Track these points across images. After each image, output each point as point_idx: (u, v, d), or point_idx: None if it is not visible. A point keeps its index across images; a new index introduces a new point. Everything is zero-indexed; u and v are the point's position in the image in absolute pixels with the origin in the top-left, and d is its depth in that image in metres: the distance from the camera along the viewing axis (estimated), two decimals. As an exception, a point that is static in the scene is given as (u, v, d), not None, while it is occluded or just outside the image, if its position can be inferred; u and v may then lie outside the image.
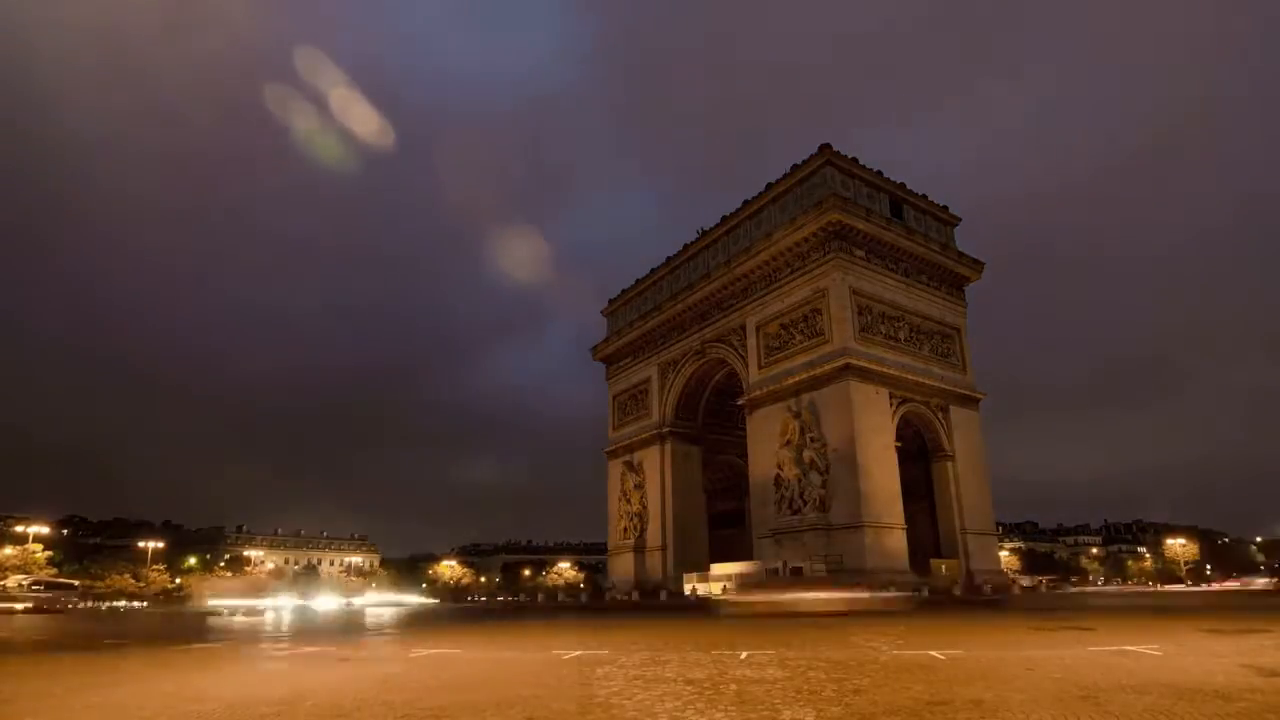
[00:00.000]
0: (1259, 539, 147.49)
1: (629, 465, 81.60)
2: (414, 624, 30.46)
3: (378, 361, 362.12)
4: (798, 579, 52.41)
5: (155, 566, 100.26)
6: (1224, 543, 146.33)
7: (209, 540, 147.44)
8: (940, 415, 61.32)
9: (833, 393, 56.14)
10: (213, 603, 62.70)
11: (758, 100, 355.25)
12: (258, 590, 73.19)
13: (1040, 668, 9.45)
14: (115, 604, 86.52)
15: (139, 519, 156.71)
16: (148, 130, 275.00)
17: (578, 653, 12.65)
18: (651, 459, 78.56)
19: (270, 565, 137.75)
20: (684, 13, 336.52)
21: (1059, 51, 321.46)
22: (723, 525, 79.03)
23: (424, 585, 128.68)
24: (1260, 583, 70.58)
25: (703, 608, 40.40)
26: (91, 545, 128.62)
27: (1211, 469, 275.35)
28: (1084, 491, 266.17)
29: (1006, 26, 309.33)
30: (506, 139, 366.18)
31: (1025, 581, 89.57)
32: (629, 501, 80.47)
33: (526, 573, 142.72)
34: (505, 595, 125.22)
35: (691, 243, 77.28)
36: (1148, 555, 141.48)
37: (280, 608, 58.85)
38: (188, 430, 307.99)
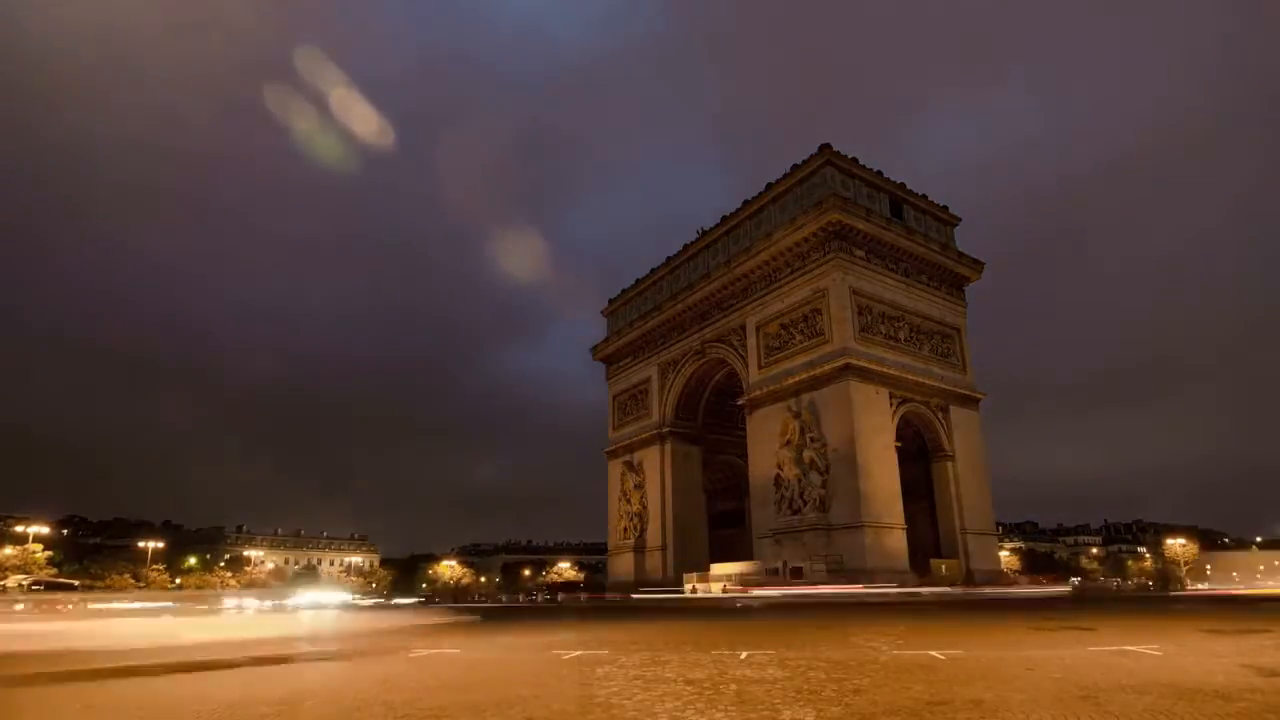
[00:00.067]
0: (1259, 539, 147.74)
1: (629, 465, 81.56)
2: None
3: (378, 361, 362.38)
4: (798, 579, 52.56)
5: (155, 566, 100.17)
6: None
7: (209, 540, 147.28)
8: (940, 415, 61.30)
9: (833, 393, 56.14)
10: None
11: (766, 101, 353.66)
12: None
13: (1040, 668, 9.44)
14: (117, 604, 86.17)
15: (139, 519, 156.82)
16: (148, 130, 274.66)
17: (578, 653, 12.64)
18: (651, 459, 78.53)
19: (270, 565, 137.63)
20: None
21: (1059, 51, 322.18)
22: (723, 525, 79.02)
23: (424, 585, 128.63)
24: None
25: (696, 608, 40.35)
26: (91, 545, 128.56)
27: (1211, 469, 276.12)
28: (1084, 491, 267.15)
29: (1006, 26, 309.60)
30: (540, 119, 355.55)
31: (1025, 582, 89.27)
32: (629, 501, 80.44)
33: (526, 572, 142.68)
34: (519, 596, 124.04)
35: (691, 243, 77.26)
36: (1148, 555, 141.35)
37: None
38: (188, 430, 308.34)
